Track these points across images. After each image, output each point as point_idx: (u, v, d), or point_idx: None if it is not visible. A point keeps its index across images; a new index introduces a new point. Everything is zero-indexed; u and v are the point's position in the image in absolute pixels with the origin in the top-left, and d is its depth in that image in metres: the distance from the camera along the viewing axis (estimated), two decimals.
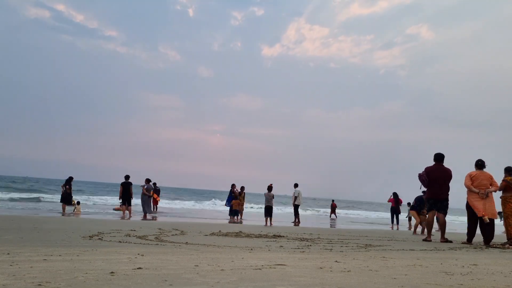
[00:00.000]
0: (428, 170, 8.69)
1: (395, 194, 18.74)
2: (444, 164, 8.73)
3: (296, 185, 17.44)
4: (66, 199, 16.60)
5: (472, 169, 8.43)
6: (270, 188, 16.08)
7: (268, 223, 14.93)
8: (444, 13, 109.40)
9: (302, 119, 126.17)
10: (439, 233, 9.16)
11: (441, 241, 8.36)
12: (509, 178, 7.94)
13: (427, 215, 9.04)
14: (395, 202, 18.69)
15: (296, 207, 17.38)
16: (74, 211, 16.60)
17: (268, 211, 15.33)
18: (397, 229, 16.73)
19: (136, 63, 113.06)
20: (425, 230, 9.91)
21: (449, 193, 8.67)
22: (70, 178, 16.83)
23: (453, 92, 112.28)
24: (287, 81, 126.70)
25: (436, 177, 8.58)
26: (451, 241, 8.39)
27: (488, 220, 7.97)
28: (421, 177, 8.69)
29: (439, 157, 8.75)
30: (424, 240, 8.62)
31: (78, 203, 17.23)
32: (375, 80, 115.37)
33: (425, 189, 9.15)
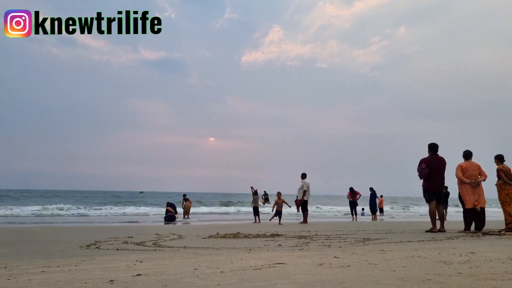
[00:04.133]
0: (427, 161, 8.62)
1: (351, 189, 20.30)
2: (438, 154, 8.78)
3: (303, 176, 15.15)
4: None
5: (456, 159, 8.57)
6: (256, 192, 17.34)
7: (257, 221, 16.22)
8: (418, 11, 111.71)
9: (289, 118, 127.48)
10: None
11: (440, 230, 8.42)
12: (501, 165, 8.04)
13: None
14: (352, 196, 20.14)
15: (305, 203, 15.18)
16: None
17: (256, 211, 16.66)
18: (356, 220, 18.66)
19: (120, 70, 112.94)
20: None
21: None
22: None
23: (428, 86, 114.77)
24: (272, 83, 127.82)
25: (435, 168, 8.57)
26: (445, 231, 8.47)
27: (479, 210, 8.16)
28: (422, 170, 8.56)
29: (435, 147, 8.74)
30: (429, 231, 8.59)
31: None
32: (356, 78, 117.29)
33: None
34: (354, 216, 19.85)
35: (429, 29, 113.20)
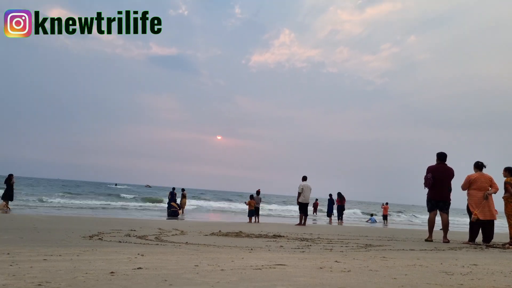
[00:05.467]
0: (433, 169, 8.55)
1: (339, 194, 21.58)
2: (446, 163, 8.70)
3: (303, 178, 15.11)
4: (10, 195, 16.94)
5: (464, 170, 8.51)
6: (258, 192, 17.63)
7: (255, 221, 16.65)
8: (429, 20, 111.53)
9: (297, 120, 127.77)
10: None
11: (443, 241, 8.31)
12: (509, 178, 7.94)
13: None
14: (340, 201, 21.46)
15: (300, 205, 15.01)
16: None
17: (256, 211, 17.06)
18: (342, 224, 19.81)
19: (133, 65, 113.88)
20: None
21: (451, 193, 8.67)
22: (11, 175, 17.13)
23: (438, 95, 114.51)
24: (281, 85, 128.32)
25: (441, 177, 8.48)
26: (448, 241, 8.39)
27: (475, 220, 8.09)
28: (428, 179, 8.48)
29: (443, 156, 8.65)
30: (426, 240, 8.56)
31: None
32: (365, 84, 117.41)
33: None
34: (341, 220, 21.18)
35: (440, 38, 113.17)
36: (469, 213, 8.41)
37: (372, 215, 26.08)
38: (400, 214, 42.63)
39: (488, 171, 8.41)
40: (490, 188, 8.18)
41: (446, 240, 8.35)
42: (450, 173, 8.57)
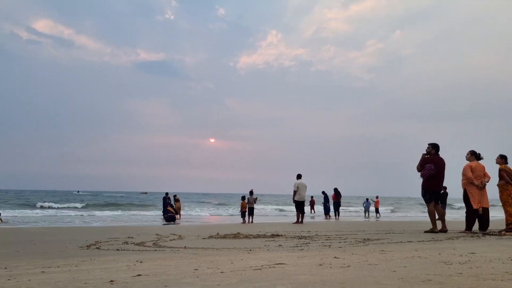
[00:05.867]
0: (434, 160, 8.56)
1: (336, 190, 21.96)
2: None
3: (298, 176, 15.24)
4: None
5: (452, 160, 8.63)
6: (251, 192, 17.72)
7: (250, 221, 16.89)
8: (413, 15, 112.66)
9: (286, 119, 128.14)
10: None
11: (442, 230, 8.40)
12: (503, 166, 8.01)
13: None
14: (336, 197, 21.87)
15: (296, 204, 15.15)
16: None
17: (250, 211, 17.21)
18: (338, 219, 20.10)
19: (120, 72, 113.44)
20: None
21: None
22: None
23: (423, 89, 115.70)
24: (270, 86, 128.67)
25: (440, 168, 8.56)
26: (447, 230, 8.46)
27: (481, 212, 8.20)
28: (430, 170, 8.49)
29: (438, 147, 8.73)
30: (430, 231, 8.54)
31: None
32: (352, 80, 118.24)
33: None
34: (337, 216, 21.42)
35: (424, 32, 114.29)
36: (465, 202, 8.45)
37: (367, 199, 26.40)
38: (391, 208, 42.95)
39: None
40: (484, 177, 8.28)
41: (444, 230, 8.44)
42: (444, 164, 8.67)
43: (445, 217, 8.95)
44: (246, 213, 17.21)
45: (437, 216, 8.68)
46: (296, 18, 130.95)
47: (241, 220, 17.24)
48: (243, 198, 17.69)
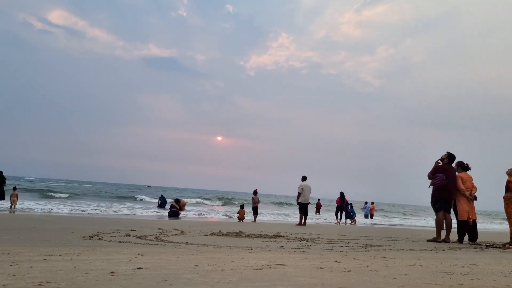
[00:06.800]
0: (447, 170, 8.50)
1: (341, 194, 21.51)
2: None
3: (303, 178, 15.16)
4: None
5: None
6: (255, 192, 17.91)
7: (253, 220, 17.06)
8: (425, 23, 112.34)
9: (295, 120, 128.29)
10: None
11: (447, 241, 8.31)
12: (511, 177, 7.92)
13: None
14: (341, 201, 21.45)
15: (300, 205, 15.13)
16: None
17: (254, 211, 17.44)
18: (339, 223, 19.67)
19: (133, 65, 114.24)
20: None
21: None
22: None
23: (434, 96, 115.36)
24: (279, 86, 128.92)
25: (451, 178, 8.48)
26: (450, 241, 8.38)
27: (471, 223, 8.23)
28: (442, 180, 8.39)
29: (453, 158, 8.65)
30: (433, 240, 8.48)
31: (15, 188, 18.07)
32: (361, 85, 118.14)
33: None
34: (339, 220, 21.08)
35: (436, 40, 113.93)
36: (455, 212, 8.50)
37: (366, 202, 26.52)
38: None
39: (479, 169, 8.58)
40: (472, 189, 8.35)
41: (448, 240, 8.36)
42: (455, 175, 8.58)
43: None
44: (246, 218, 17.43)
45: (444, 226, 8.63)
46: (308, 20, 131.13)
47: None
48: (241, 206, 17.89)
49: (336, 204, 22.32)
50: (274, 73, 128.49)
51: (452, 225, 8.63)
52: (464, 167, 8.54)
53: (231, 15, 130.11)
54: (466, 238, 8.44)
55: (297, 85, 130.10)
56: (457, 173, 8.53)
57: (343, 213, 21.36)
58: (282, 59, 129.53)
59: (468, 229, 8.28)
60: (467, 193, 8.26)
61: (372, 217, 26.40)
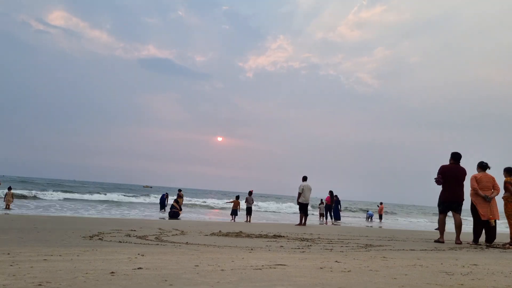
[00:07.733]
0: (444, 169, 8.38)
1: (330, 193, 21.69)
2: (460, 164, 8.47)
3: (304, 179, 15.11)
4: None
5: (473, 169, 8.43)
6: (250, 193, 18.05)
7: (248, 220, 17.10)
8: (422, 24, 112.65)
9: (292, 121, 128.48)
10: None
11: (456, 243, 8.08)
12: (509, 178, 7.92)
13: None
14: (330, 200, 21.59)
15: (300, 206, 15.06)
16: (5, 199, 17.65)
17: (248, 211, 17.54)
18: (326, 223, 19.35)
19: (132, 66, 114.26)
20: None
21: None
22: None
23: (430, 96, 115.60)
24: (278, 87, 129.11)
25: (453, 177, 8.31)
26: (461, 243, 8.12)
27: (494, 224, 8.02)
28: (438, 181, 8.34)
29: (457, 156, 8.47)
30: (436, 241, 8.38)
31: (10, 188, 18.27)
32: (359, 86, 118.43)
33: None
34: (327, 219, 21.02)
35: (432, 41, 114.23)
36: (473, 213, 8.29)
37: (367, 210, 26.59)
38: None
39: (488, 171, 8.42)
40: (493, 190, 8.14)
41: (458, 242, 8.11)
42: (462, 173, 8.38)
43: (446, 227, 8.73)
44: (244, 212, 17.68)
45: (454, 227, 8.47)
46: (306, 22, 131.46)
47: (245, 218, 17.30)
48: (237, 197, 18.10)
49: (325, 204, 22.27)
50: (273, 74, 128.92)
51: (462, 226, 8.41)
52: (482, 166, 8.36)
53: (230, 16, 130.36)
54: (482, 238, 8.18)
55: (295, 86, 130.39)
56: (476, 173, 8.27)
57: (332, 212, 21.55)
58: (280, 60, 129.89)
59: (488, 229, 8.06)
60: (481, 193, 8.02)
61: (381, 217, 26.18)
